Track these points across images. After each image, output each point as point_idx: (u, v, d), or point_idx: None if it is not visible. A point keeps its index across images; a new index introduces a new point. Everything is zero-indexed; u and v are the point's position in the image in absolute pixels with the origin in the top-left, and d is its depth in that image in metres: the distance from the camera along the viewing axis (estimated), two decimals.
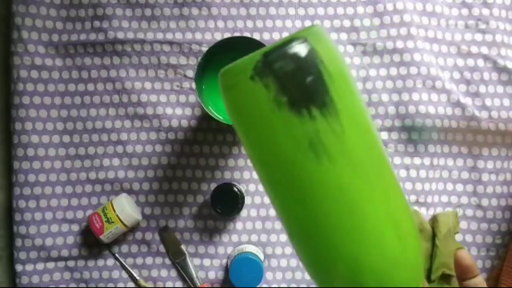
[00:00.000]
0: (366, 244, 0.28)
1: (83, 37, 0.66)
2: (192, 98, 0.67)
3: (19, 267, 0.66)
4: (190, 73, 0.67)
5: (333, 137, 0.28)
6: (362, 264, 0.28)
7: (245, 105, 0.29)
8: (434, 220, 0.65)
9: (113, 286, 0.67)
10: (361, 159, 0.28)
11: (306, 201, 0.29)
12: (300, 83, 0.27)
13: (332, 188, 0.28)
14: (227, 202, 0.63)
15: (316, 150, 0.28)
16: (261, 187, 0.67)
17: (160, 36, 0.67)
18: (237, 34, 0.67)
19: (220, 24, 0.67)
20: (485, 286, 0.35)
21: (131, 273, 0.67)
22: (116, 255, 0.67)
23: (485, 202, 0.66)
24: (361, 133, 0.29)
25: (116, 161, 0.67)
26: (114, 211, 0.63)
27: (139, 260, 0.67)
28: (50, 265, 0.66)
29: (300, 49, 0.28)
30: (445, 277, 0.64)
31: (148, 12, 0.67)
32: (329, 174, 0.28)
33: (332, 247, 0.28)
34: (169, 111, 0.67)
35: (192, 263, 0.67)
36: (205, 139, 0.67)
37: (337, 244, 0.28)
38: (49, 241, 0.66)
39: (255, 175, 0.67)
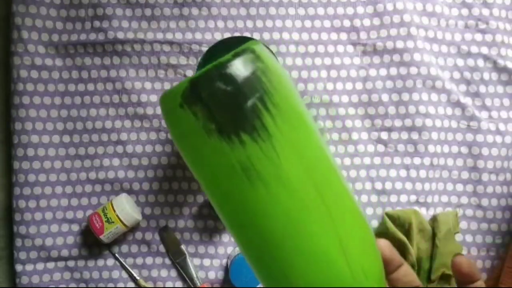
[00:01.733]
0: (312, 269, 0.28)
1: (83, 37, 0.66)
2: None
3: (19, 267, 0.66)
4: (190, 73, 0.67)
5: (266, 162, 0.27)
6: None
7: (180, 131, 0.28)
8: (434, 220, 0.65)
9: (113, 286, 0.67)
10: (299, 182, 0.28)
11: (246, 225, 0.28)
12: (227, 109, 0.27)
13: (270, 212, 0.28)
14: None
15: (249, 176, 0.27)
16: None
17: (160, 36, 0.67)
18: (237, 34, 0.67)
19: (220, 24, 0.67)
20: None
21: (131, 273, 0.67)
22: (116, 255, 0.67)
23: (485, 202, 0.66)
24: (301, 155, 0.28)
25: (116, 161, 0.67)
26: (114, 211, 0.63)
27: (139, 260, 0.67)
28: (50, 265, 0.66)
29: (228, 75, 0.27)
30: (445, 277, 0.64)
31: (148, 12, 0.67)
32: (264, 198, 0.27)
33: (281, 272, 0.28)
34: None
35: (192, 263, 0.67)
36: None
37: (285, 269, 0.28)
38: (49, 241, 0.66)
39: None
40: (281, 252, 0.28)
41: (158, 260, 0.67)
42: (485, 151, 0.66)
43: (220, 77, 0.27)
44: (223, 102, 0.27)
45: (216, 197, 0.29)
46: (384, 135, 0.67)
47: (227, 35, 0.67)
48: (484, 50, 0.67)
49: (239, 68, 0.27)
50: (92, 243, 0.67)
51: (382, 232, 0.66)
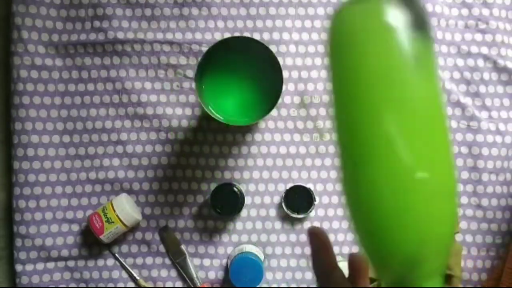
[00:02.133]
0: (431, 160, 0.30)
1: (83, 37, 0.66)
2: (192, 98, 0.67)
3: (19, 267, 0.66)
4: (190, 73, 0.67)
5: (431, 60, 0.32)
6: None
7: (367, 25, 0.32)
8: None
9: (113, 286, 0.67)
10: (438, 92, 0.32)
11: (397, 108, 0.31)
12: (421, 11, 0.32)
13: (422, 101, 0.31)
14: (227, 202, 0.63)
15: (420, 64, 0.31)
16: (261, 187, 0.67)
17: (160, 36, 0.67)
18: (237, 34, 0.67)
19: (220, 24, 0.67)
20: None
21: (131, 273, 0.67)
22: (116, 255, 0.67)
23: (485, 202, 0.66)
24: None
25: (116, 161, 0.67)
26: (114, 211, 0.63)
27: (139, 260, 0.67)
28: (50, 265, 0.66)
29: None
30: (446, 277, 0.64)
31: (148, 12, 0.67)
32: (423, 87, 0.31)
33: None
34: (169, 111, 0.67)
35: (192, 263, 0.67)
36: (205, 139, 0.67)
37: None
38: (49, 241, 0.66)
39: (255, 175, 0.67)
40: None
41: (158, 260, 0.67)
42: (485, 151, 0.66)
43: None
44: (418, 5, 0.32)
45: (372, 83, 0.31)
46: None
47: (227, 35, 0.67)
48: (484, 50, 0.67)
49: None
50: (92, 243, 0.67)
51: None
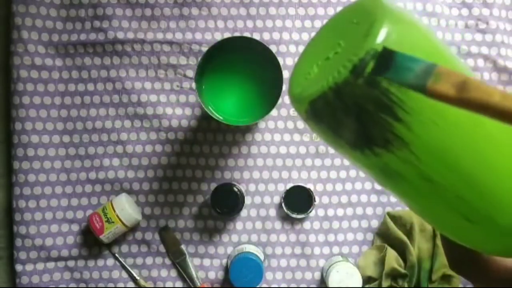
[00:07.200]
0: None
1: (83, 37, 0.66)
2: (192, 98, 0.67)
3: (19, 267, 0.66)
4: (190, 73, 0.67)
5: (405, 165, 0.26)
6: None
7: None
8: None
9: (113, 286, 0.67)
10: (442, 178, 0.26)
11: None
12: (352, 127, 0.25)
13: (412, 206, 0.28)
14: (227, 202, 0.63)
15: (391, 176, 0.26)
16: (261, 187, 0.67)
17: (160, 36, 0.67)
18: (237, 34, 0.67)
19: (220, 24, 0.67)
20: None
21: (131, 273, 0.67)
22: (116, 255, 0.67)
23: None
24: (445, 148, 0.25)
25: (116, 161, 0.67)
26: (114, 211, 0.63)
27: (139, 260, 0.67)
28: (50, 265, 0.66)
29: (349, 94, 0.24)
30: (446, 277, 0.64)
31: (148, 12, 0.67)
32: (407, 192, 0.27)
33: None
34: (169, 111, 0.67)
35: (192, 263, 0.67)
36: (205, 139, 0.67)
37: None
38: (49, 241, 0.66)
39: (255, 175, 0.67)
40: None
41: (158, 260, 0.67)
42: None
43: (340, 96, 0.25)
44: (345, 121, 0.25)
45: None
46: None
47: (227, 35, 0.67)
48: (484, 50, 0.67)
49: (362, 86, 0.24)
50: (92, 243, 0.67)
51: (383, 232, 0.66)
